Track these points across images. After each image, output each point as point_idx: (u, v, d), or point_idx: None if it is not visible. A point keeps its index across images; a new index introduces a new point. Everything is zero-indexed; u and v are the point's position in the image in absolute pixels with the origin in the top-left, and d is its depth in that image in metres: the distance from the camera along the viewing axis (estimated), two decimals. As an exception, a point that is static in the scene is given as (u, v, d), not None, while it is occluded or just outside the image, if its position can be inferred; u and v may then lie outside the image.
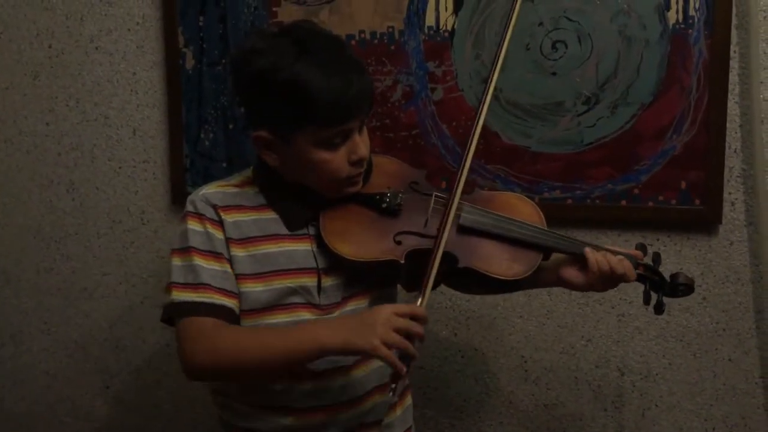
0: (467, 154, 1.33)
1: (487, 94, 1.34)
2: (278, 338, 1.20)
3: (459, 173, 1.31)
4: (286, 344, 1.18)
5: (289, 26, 1.26)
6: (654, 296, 1.32)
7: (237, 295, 1.26)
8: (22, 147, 2.05)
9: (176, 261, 1.27)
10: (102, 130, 1.99)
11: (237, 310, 1.26)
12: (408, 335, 1.15)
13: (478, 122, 1.34)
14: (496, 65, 1.36)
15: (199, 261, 1.25)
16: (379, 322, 1.13)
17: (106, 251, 2.04)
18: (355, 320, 1.18)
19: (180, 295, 1.24)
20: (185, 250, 1.26)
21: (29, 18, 1.99)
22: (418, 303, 1.20)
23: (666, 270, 1.36)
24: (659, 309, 1.31)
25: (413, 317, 1.16)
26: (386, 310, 1.15)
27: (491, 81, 1.35)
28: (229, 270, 1.26)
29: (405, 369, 1.14)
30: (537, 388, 1.82)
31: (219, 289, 1.24)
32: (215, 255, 1.26)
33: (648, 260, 1.35)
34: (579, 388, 1.80)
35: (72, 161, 2.02)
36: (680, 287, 1.33)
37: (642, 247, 1.35)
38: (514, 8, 1.39)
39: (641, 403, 1.77)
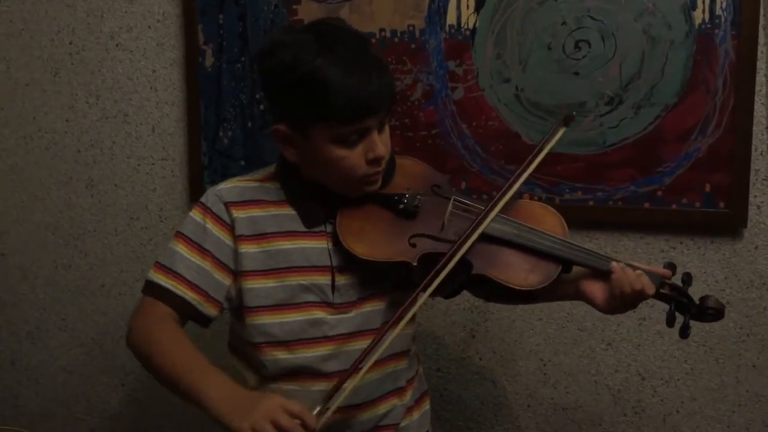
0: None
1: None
2: (185, 365, 1.17)
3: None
4: (183, 376, 1.16)
5: (315, 22, 1.28)
6: (680, 318, 1.26)
7: (206, 294, 1.26)
8: (42, 143, 2.06)
9: (170, 244, 1.30)
10: (121, 127, 1.99)
11: (203, 310, 1.26)
12: None
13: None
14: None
15: (181, 249, 1.27)
16: (260, 409, 1.08)
17: (124, 248, 2.04)
18: (246, 397, 1.14)
19: (153, 275, 1.28)
20: (177, 235, 1.29)
21: (50, 15, 1.99)
22: (315, 411, 1.14)
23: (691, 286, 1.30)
24: (685, 332, 1.25)
25: (301, 422, 1.09)
26: (276, 401, 1.10)
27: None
28: (209, 269, 1.26)
29: None
30: (556, 392, 1.80)
31: (188, 281, 1.25)
32: (201, 250, 1.27)
33: (677, 280, 1.28)
34: (599, 393, 1.77)
35: (91, 158, 2.02)
36: (709, 311, 1.25)
37: (671, 266, 1.29)
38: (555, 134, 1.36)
39: (662, 409, 1.74)
